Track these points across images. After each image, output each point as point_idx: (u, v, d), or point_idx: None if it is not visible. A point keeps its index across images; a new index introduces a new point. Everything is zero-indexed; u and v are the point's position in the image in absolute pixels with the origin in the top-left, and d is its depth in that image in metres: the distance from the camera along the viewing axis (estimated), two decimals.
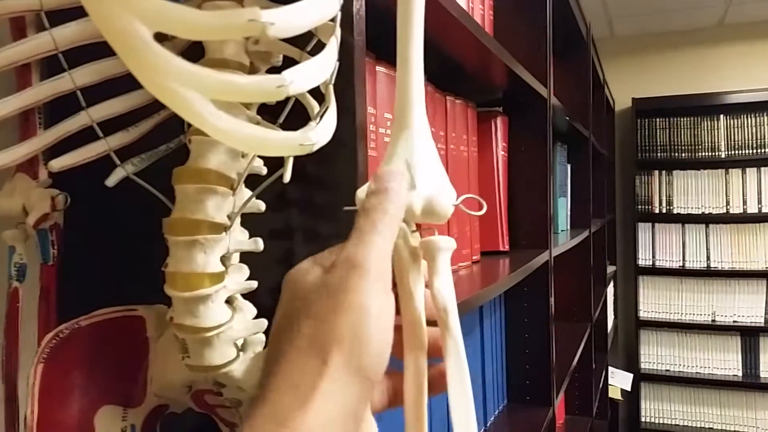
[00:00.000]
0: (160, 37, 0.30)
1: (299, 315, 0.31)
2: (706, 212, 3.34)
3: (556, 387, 1.37)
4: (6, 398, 0.50)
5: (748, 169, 3.28)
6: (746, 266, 3.26)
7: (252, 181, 0.43)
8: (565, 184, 2.01)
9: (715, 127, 3.34)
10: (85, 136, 0.45)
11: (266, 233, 0.45)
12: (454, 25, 0.76)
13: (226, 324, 0.40)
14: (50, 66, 0.46)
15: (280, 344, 0.31)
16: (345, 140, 0.47)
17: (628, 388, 2.90)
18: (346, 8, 0.46)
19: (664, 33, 3.60)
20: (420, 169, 0.37)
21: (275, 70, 0.42)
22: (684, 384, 3.38)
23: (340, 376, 0.29)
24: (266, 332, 0.43)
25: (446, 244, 0.36)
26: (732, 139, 3.31)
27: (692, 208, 3.37)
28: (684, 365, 3.38)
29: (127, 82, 0.40)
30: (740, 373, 3.28)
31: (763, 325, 3.22)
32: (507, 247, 1.25)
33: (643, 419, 3.45)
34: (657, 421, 3.44)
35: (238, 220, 0.43)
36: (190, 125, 0.40)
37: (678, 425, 3.40)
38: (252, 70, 0.43)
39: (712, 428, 3.33)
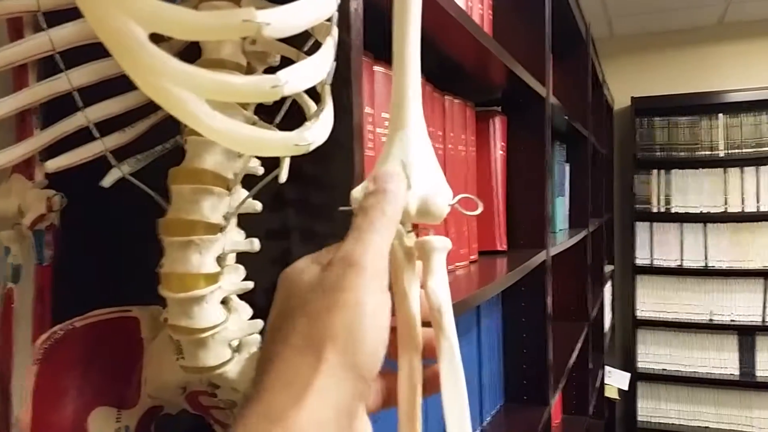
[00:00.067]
0: (158, 38, 0.30)
1: (294, 313, 0.31)
2: (704, 211, 3.34)
3: (553, 386, 1.38)
4: (0, 398, 0.50)
5: (746, 168, 3.28)
6: (744, 265, 3.26)
7: (248, 181, 0.43)
8: (563, 183, 2.01)
9: (714, 126, 3.34)
10: (81, 137, 0.44)
11: (262, 233, 0.45)
12: (452, 24, 0.75)
13: (221, 325, 0.40)
14: (47, 67, 0.46)
15: (275, 343, 0.31)
16: (342, 140, 0.47)
17: (625, 388, 2.90)
18: (343, 8, 0.46)
19: (663, 32, 3.60)
20: (415, 169, 0.37)
21: (273, 70, 0.42)
22: (681, 383, 3.39)
23: (334, 374, 0.29)
24: (262, 333, 0.43)
25: (441, 244, 0.36)
26: (731, 138, 3.31)
27: (690, 207, 3.37)
28: (681, 364, 3.38)
29: (123, 83, 0.40)
30: (737, 373, 3.28)
31: (760, 324, 3.22)
32: (505, 247, 1.25)
33: (639, 418, 3.45)
34: (654, 421, 3.44)
35: (234, 220, 0.42)
36: (186, 126, 0.40)
37: (675, 424, 3.40)
38: (249, 71, 0.43)
39: (708, 427, 3.33)
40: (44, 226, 0.50)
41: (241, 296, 0.44)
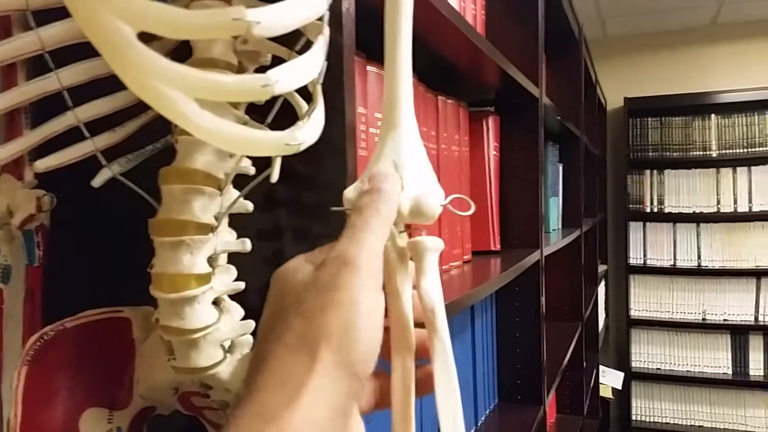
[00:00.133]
0: (149, 37, 0.30)
1: (288, 313, 0.31)
2: (697, 211, 3.36)
3: (547, 386, 1.38)
4: None
5: (738, 168, 3.30)
6: (736, 265, 3.28)
7: (240, 181, 0.43)
8: (556, 183, 2.02)
9: (707, 126, 3.36)
10: (71, 137, 0.44)
11: (254, 234, 0.45)
12: (445, 24, 0.75)
13: (213, 325, 0.40)
14: (36, 66, 0.46)
15: (268, 342, 0.31)
16: (334, 140, 0.47)
17: (619, 387, 2.92)
18: (335, 7, 0.46)
19: (656, 33, 3.61)
20: (407, 169, 0.37)
21: (264, 70, 0.41)
22: (674, 382, 3.40)
23: (328, 373, 0.28)
24: (254, 333, 0.43)
25: (434, 245, 0.36)
26: (723, 139, 3.33)
27: (683, 207, 3.39)
28: (674, 364, 3.40)
29: (113, 83, 0.40)
30: (730, 372, 3.30)
31: (752, 323, 3.24)
32: (498, 247, 1.25)
33: (634, 417, 3.47)
34: (648, 420, 3.46)
35: (225, 220, 0.42)
36: (176, 125, 0.40)
37: (669, 423, 3.42)
38: (240, 70, 0.43)
39: (702, 426, 3.35)
40: (34, 226, 0.49)
41: (233, 297, 0.43)
